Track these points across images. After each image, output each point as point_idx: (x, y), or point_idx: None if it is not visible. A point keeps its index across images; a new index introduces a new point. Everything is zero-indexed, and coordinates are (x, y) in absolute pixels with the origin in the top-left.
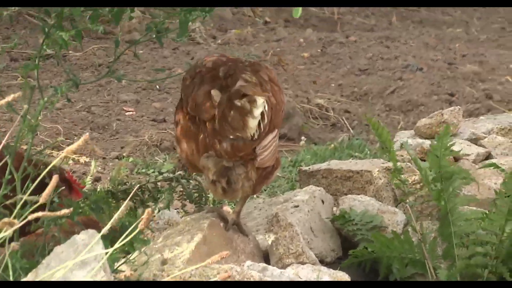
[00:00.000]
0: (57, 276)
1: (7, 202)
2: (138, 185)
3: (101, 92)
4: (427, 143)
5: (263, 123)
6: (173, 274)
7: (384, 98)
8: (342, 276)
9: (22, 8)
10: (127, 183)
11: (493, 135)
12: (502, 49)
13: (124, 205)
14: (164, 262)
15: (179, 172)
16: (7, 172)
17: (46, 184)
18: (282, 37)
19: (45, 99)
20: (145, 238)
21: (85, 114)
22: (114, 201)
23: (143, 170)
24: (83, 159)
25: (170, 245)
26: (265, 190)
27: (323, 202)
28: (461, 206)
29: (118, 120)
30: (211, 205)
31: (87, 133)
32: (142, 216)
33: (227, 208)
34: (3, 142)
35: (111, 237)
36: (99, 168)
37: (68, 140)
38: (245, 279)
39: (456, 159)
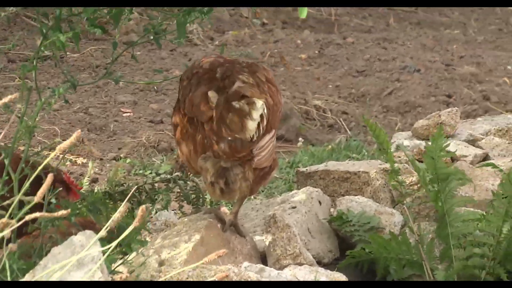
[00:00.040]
0: (55, 277)
1: (4, 203)
2: (136, 186)
3: (99, 94)
4: (424, 144)
5: (262, 125)
6: (170, 274)
7: (381, 99)
8: (340, 277)
9: (20, 10)
10: (124, 184)
11: (491, 137)
12: (500, 51)
13: (123, 205)
14: (161, 263)
15: (176, 173)
16: (4, 173)
17: (43, 184)
18: (279, 39)
19: (43, 100)
20: (143, 239)
21: (83, 115)
22: (111, 202)
23: (141, 171)
24: (80, 160)
25: (168, 246)
26: (262, 191)
27: (320, 203)
28: (458, 207)
29: (115, 121)
30: (209, 206)
31: (79, 130)
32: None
33: (224, 209)
34: (0, 143)
35: (108, 238)
36: (96, 169)
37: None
38: (243, 280)
39: (454, 160)
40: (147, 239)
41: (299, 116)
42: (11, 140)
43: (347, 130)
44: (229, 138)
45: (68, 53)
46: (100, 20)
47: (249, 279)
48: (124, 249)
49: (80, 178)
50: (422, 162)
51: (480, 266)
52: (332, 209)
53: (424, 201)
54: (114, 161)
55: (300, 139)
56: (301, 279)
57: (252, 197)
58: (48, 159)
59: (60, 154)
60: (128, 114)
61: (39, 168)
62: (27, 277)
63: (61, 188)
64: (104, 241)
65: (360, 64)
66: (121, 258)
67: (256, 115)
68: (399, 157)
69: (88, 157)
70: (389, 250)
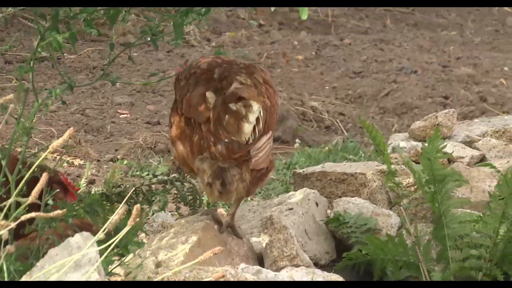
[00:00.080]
0: (52, 279)
1: (1, 205)
2: (133, 188)
3: (96, 95)
4: (421, 146)
5: (258, 128)
6: (167, 274)
7: (378, 100)
8: (336, 278)
9: (17, 11)
10: (121, 185)
11: (487, 138)
12: (496, 52)
13: (120, 207)
14: (158, 264)
15: (173, 175)
16: (1, 174)
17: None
18: (276, 40)
19: (40, 101)
20: (140, 241)
21: (80, 117)
22: (108, 204)
23: (138, 173)
24: (77, 161)
25: (165, 247)
26: (259, 193)
27: (317, 204)
28: (455, 208)
29: (112, 122)
30: (206, 208)
31: (72, 128)
32: (141, 218)
33: (221, 211)
34: None
35: (105, 240)
36: (94, 170)
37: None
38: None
39: (450, 162)
40: (144, 240)
41: (296, 117)
42: (8, 141)
43: (344, 131)
44: (226, 140)
45: (65, 54)
46: (97, 22)
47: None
48: (121, 251)
49: (77, 179)
50: (418, 163)
51: (477, 267)
52: (329, 211)
53: (421, 202)
54: (111, 162)
55: (297, 140)
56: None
57: (249, 198)
58: (41, 158)
59: (57, 155)
60: (125, 115)
61: (32, 167)
62: (24, 279)
63: (58, 190)
64: (101, 243)
65: (357, 65)
66: (118, 260)
67: (252, 118)
68: (396, 158)
69: (85, 159)
70: (386, 251)
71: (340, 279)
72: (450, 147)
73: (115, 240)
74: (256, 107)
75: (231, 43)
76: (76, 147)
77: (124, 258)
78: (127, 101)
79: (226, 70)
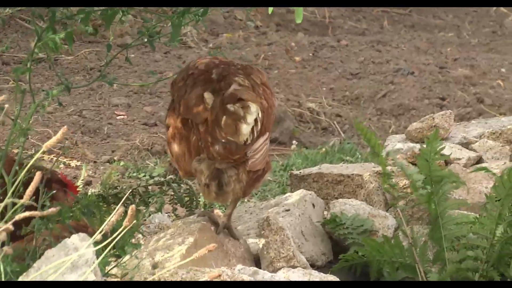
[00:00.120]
0: (49, 280)
1: None
2: (130, 189)
3: (93, 96)
4: (418, 147)
5: (256, 129)
6: (164, 275)
7: (375, 102)
8: (333, 279)
9: (14, 12)
10: (118, 187)
11: (484, 139)
12: (493, 53)
13: (117, 208)
14: (155, 265)
15: (170, 176)
16: None
17: (38, 188)
18: (273, 41)
19: (37, 102)
20: (136, 242)
21: (77, 118)
22: (105, 205)
23: (134, 174)
24: (74, 163)
25: (161, 249)
26: (256, 194)
27: (314, 206)
28: (451, 210)
29: (109, 124)
30: (202, 209)
31: (65, 126)
32: (137, 219)
33: (218, 212)
34: None
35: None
36: (90, 172)
37: (59, 144)
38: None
39: (447, 163)
40: (141, 241)
41: (293, 119)
42: (5, 142)
43: (341, 132)
44: (223, 141)
45: (62, 55)
46: (94, 22)
47: None
48: (117, 252)
49: (74, 180)
50: (415, 165)
51: (473, 269)
52: (325, 212)
53: (418, 203)
54: (108, 163)
55: (293, 142)
56: None
57: (245, 199)
58: (35, 158)
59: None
60: (122, 116)
61: (27, 167)
62: (21, 280)
63: (58, 189)
64: (98, 244)
65: (354, 67)
66: (114, 261)
67: (250, 119)
68: (393, 159)
69: (82, 160)
70: (383, 253)
71: (337, 280)
72: (447, 149)
73: (112, 241)
74: (254, 108)
75: (228, 45)
76: (73, 149)
77: (121, 259)
78: (124, 103)
79: (224, 71)
